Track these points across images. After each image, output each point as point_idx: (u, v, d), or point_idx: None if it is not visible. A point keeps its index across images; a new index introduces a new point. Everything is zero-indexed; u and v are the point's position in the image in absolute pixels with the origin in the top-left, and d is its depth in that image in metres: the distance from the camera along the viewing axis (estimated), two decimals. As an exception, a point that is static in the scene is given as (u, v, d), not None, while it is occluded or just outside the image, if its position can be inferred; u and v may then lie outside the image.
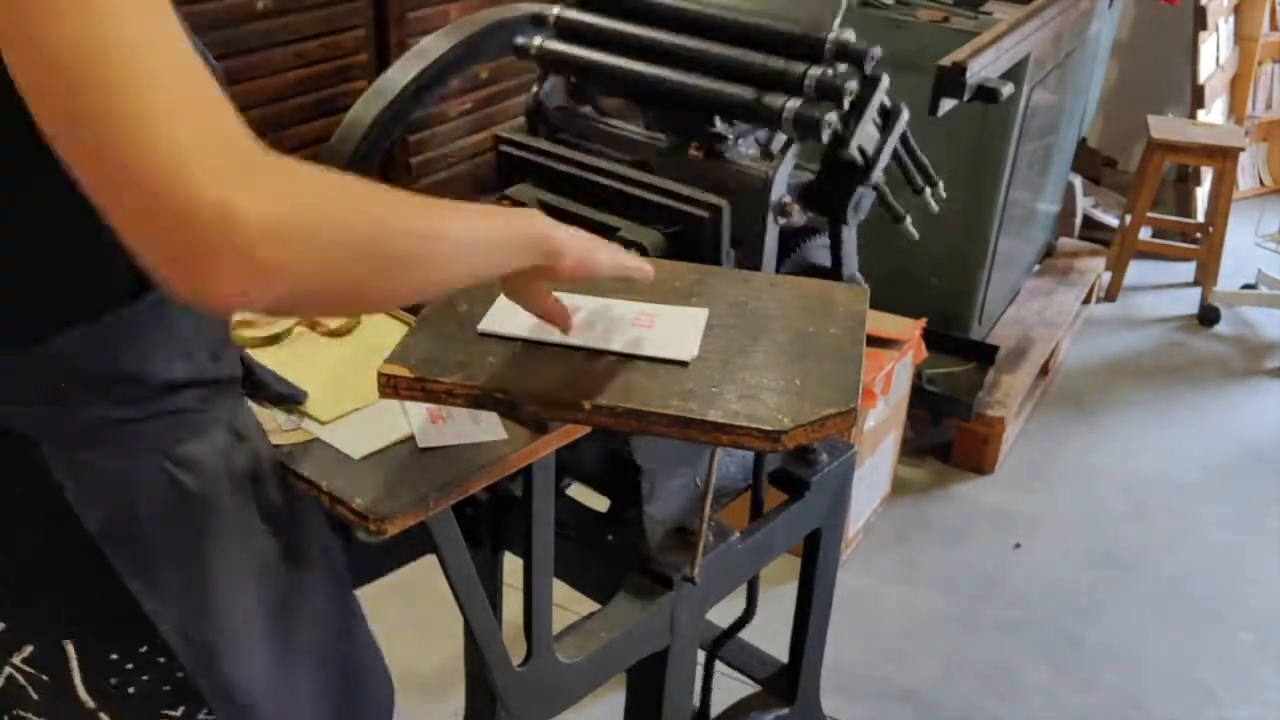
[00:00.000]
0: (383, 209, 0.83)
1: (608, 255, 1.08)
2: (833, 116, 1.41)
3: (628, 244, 1.40)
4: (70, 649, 1.00)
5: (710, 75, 1.47)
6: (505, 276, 1.01)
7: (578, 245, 1.03)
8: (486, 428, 1.19)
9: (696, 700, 1.79)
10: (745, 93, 1.44)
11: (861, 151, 1.49)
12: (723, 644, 1.88)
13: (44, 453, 0.93)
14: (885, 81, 1.48)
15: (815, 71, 1.42)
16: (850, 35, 1.46)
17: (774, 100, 1.42)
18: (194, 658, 1.01)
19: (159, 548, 0.98)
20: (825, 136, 1.41)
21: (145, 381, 0.95)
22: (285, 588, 1.09)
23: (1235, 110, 4.78)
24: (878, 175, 1.52)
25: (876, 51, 1.45)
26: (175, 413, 0.97)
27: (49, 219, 0.89)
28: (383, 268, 0.82)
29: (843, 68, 1.45)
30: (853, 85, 1.43)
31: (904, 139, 1.58)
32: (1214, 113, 4.56)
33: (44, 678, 1.03)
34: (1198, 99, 4.45)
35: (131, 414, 0.94)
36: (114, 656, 1.01)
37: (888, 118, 1.53)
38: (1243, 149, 4.00)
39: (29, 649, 1.01)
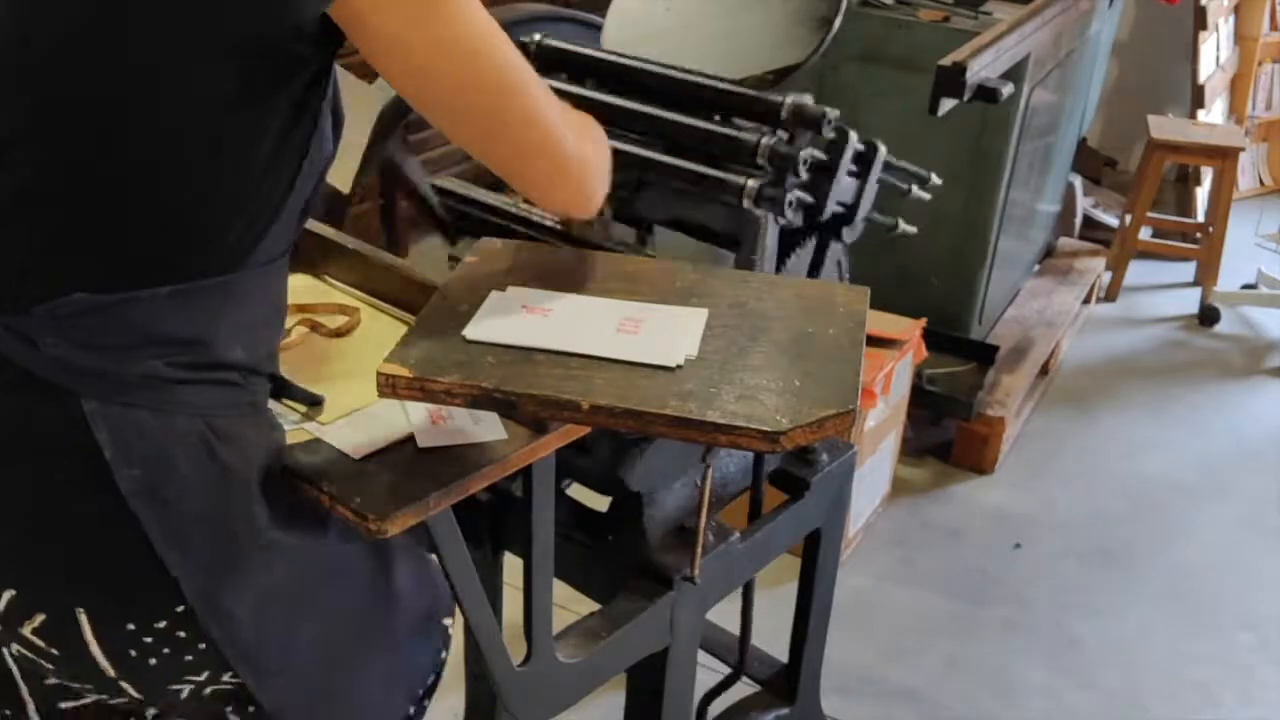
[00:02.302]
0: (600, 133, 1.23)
1: None
2: (796, 193, 1.38)
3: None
4: (84, 618, 1.01)
5: (669, 143, 1.46)
6: None
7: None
8: (486, 428, 1.19)
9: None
10: (708, 170, 1.42)
11: (842, 204, 1.47)
12: (714, 696, 1.90)
13: (84, 410, 0.95)
14: (853, 136, 1.44)
15: (768, 141, 1.39)
16: (808, 99, 1.42)
17: (736, 179, 1.40)
18: (214, 618, 1.02)
19: (189, 512, 0.99)
20: (790, 215, 1.39)
21: (205, 352, 0.99)
22: (310, 567, 1.10)
23: (1235, 110, 4.78)
24: (864, 213, 1.50)
25: (834, 114, 1.42)
26: (221, 384, 1.01)
27: (199, 181, 0.95)
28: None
29: (806, 133, 1.42)
30: (809, 154, 1.39)
31: (885, 164, 1.54)
32: (1214, 113, 4.56)
33: (54, 651, 1.04)
34: (1198, 99, 4.44)
35: (182, 375, 0.98)
36: (130, 627, 1.02)
37: (864, 162, 1.49)
38: (1243, 149, 4.00)
39: (40, 618, 1.02)
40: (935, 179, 1.60)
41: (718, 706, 1.89)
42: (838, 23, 1.47)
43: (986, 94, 2.30)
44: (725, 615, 1.80)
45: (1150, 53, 4.73)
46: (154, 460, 0.97)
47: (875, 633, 2.53)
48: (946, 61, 2.28)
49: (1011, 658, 2.49)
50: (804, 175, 1.40)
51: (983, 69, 2.33)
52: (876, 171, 1.50)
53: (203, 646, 1.03)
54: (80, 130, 0.94)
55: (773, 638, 1.93)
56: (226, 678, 1.07)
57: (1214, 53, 4.54)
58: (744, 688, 1.92)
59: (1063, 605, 2.66)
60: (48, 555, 1.00)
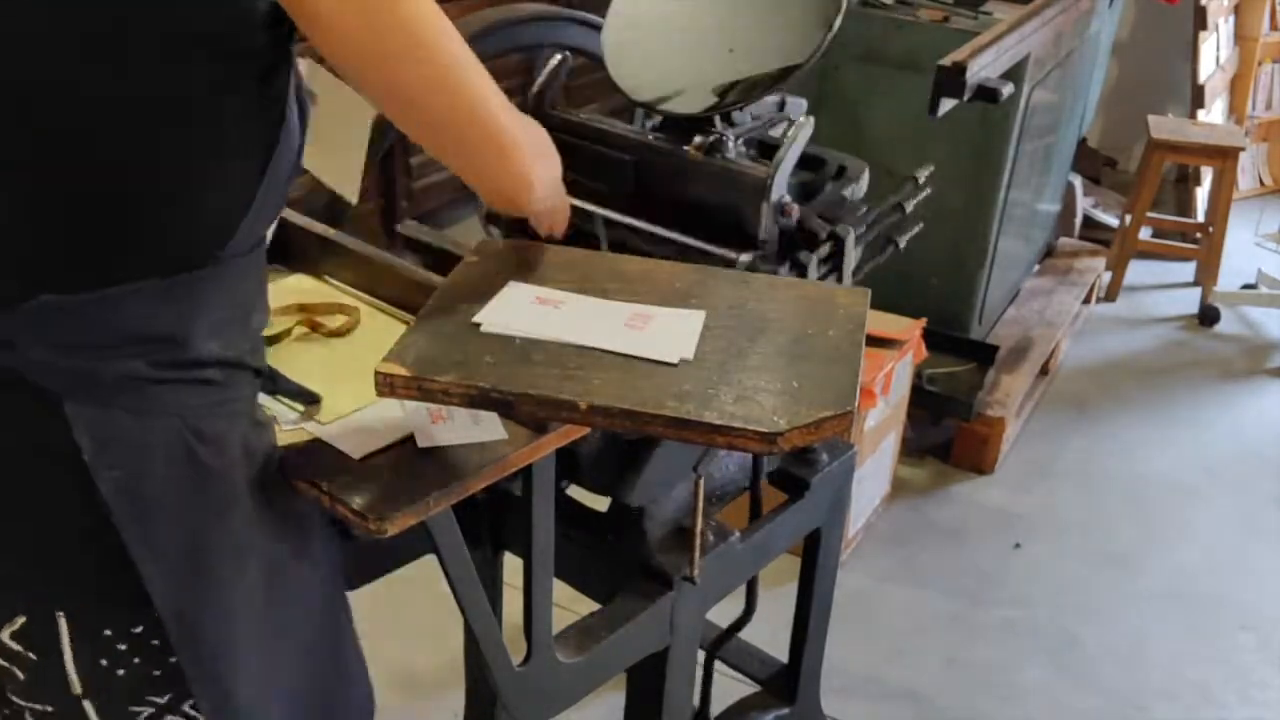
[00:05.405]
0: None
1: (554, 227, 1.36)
2: None
3: None
4: (63, 622, 1.01)
5: None
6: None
7: (542, 217, 1.32)
8: (486, 428, 1.19)
9: (696, 700, 1.79)
10: None
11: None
12: (722, 644, 1.88)
13: (65, 411, 0.94)
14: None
15: None
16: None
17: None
18: (181, 635, 1.02)
19: (166, 513, 0.99)
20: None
21: (181, 350, 0.98)
22: (282, 580, 1.09)
23: (1235, 110, 4.78)
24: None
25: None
26: (200, 383, 1.00)
27: (164, 173, 0.94)
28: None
29: None
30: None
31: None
32: (1214, 113, 4.56)
33: (32, 656, 1.03)
34: (1198, 99, 4.45)
35: (161, 375, 0.97)
36: (107, 633, 1.01)
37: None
38: (1243, 149, 4.00)
39: (20, 620, 1.02)
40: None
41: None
42: (838, 23, 1.47)
43: (986, 94, 2.30)
44: (725, 615, 1.80)
45: (1150, 53, 4.74)
46: (133, 462, 0.96)
47: (875, 633, 2.53)
48: (946, 61, 2.28)
49: (1011, 658, 2.50)
50: None
51: (983, 69, 2.33)
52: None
53: (172, 660, 1.03)
54: (39, 128, 0.92)
55: (773, 638, 1.93)
56: (186, 706, 1.06)
57: (1214, 53, 4.54)
58: (744, 688, 1.93)
59: (1063, 605, 2.66)
60: (28, 558, 1.00)
